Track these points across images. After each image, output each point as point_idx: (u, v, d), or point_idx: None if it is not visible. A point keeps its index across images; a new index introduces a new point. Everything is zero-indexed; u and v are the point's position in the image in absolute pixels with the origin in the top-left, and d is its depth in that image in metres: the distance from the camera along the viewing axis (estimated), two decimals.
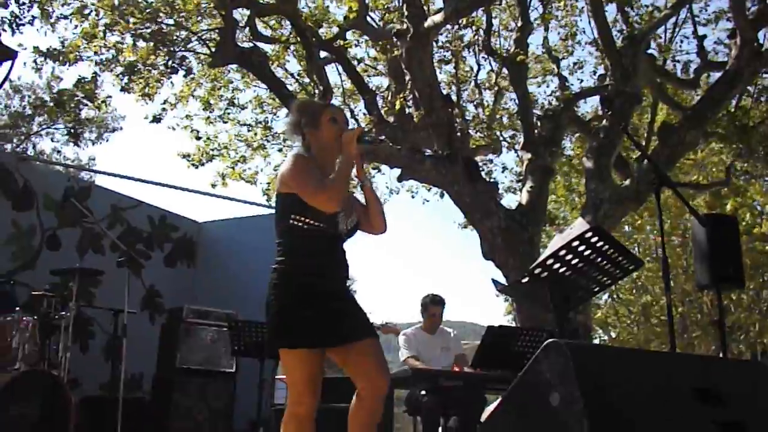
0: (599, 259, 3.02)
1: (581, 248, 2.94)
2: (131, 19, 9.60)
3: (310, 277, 3.19)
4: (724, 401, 2.45)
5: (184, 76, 10.75)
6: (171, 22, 10.18)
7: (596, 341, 19.09)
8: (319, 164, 3.29)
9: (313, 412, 3.16)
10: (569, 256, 2.93)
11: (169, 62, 10.31)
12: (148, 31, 9.76)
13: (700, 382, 2.46)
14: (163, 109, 11.07)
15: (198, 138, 12.09)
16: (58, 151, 26.02)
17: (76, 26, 9.73)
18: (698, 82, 11.86)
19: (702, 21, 12.34)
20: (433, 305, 6.47)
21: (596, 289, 3.32)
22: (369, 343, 3.26)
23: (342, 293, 3.32)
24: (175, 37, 10.38)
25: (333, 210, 3.18)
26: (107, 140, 26.60)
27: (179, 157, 12.16)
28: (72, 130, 24.12)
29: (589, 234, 2.92)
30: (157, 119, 10.60)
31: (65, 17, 9.71)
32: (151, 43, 9.88)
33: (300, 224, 3.20)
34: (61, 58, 9.61)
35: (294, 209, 3.19)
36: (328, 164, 3.31)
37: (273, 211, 10.04)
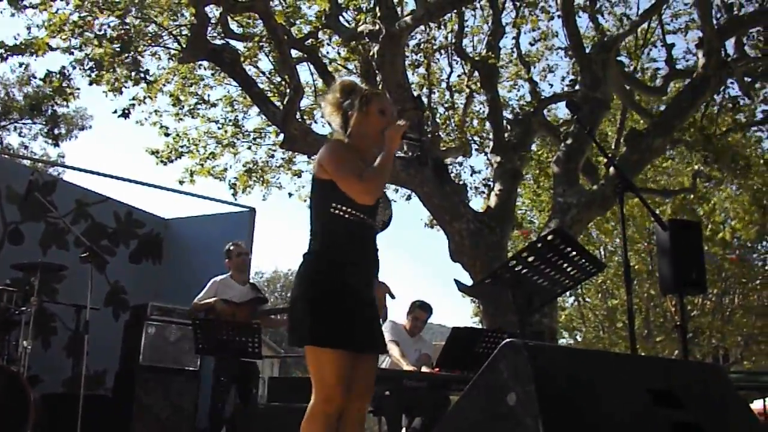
0: (562, 262, 3.05)
1: (544, 251, 2.96)
2: (99, 18, 9.48)
3: (346, 270, 3.06)
4: (681, 403, 2.47)
5: (147, 83, 10.60)
6: (139, 16, 10.08)
7: (562, 344, 19.19)
8: (354, 148, 3.18)
9: (341, 409, 3.02)
10: (532, 258, 2.95)
11: (133, 74, 10.21)
12: (115, 34, 9.64)
13: (658, 384, 2.49)
14: (132, 105, 10.94)
15: (167, 135, 11.99)
16: (26, 146, 25.68)
17: (43, 21, 9.60)
18: (666, 89, 12.02)
19: (672, 30, 12.52)
20: (420, 310, 6.67)
21: (558, 292, 3.34)
22: (376, 359, 3.24)
23: (372, 295, 3.20)
24: (143, 32, 10.28)
25: (369, 203, 3.06)
26: (76, 137, 26.33)
27: (148, 153, 12.04)
28: (50, 131, 23.91)
29: (552, 237, 2.94)
30: (125, 114, 10.48)
31: (33, 6, 9.58)
32: (117, 46, 9.76)
33: (341, 213, 3.08)
34: (29, 51, 9.45)
35: (336, 197, 3.07)
36: (365, 151, 3.19)
37: (240, 209, 9.92)
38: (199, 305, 6.34)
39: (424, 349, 6.56)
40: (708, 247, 15.80)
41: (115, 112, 10.22)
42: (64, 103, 10.90)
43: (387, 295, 3.85)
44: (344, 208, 3.07)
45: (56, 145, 25.04)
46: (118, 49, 9.70)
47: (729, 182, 15.75)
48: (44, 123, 24.59)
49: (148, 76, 10.48)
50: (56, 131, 24.63)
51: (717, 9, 10.63)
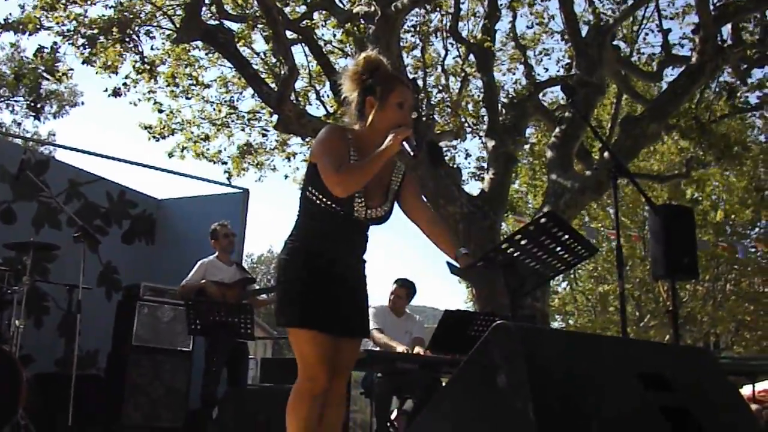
0: (554, 246, 3.04)
1: (537, 234, 2.96)
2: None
3: (319, 257, 3.05)
4: (671, 387, 2.48)
5: (148, 71, 10.56)
6: None
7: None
8: (361, 137, 3.12)
9: (326, 389, 3.03)
10: (524, 242, 2.94)
11: (131, 58, 10.15)
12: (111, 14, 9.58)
13: (648, 368, 2.50)
14: (125, 84, 10.88)
15: (161, 111, 11.93)
16: (18, 124, 25.51)
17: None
18: (661, 75, 12.01)
19: (669, 15, 12.50)
20: (399, 287, 6.57)
21: (551, 275, 3.34)
22: (358, 343, 3.24)
23: (353, 280, 3.17)
24: (138, 11, 10.22)
25: (340, 195, 2.96)
26: (68, 114, 26.19)
27: (141, 128, 11.99)
28: (32, 104, 23.64)
29: (545, 220, 2.94)
30: (116, 93, 10.42)
31: None
32: (113, 14, 9.69)
33: (314, 198, 3.07)
34: (20, 27, 9.39)
35: (314, 182, 3.05)
36: (371, 142, 3.06)
37: (233, 190, 9.88)
38: (189, 286, 6.33)
39: (415, 330, 6.48)
40: (701, 234, 15.88)
41: (106, 90, 10.18)
42: (52, 79, 10.80)
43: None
44: (317, 193, 3.06)
45: (36, 118, 24.77)
46: (113, 26, 9.62)
47: (722, 168, 15.80)
48: (26, 95, 24.27)
49: (144, 59, 10.42)
50: (38, 104, 24.35)
51: None
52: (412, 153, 2.96)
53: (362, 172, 2.96)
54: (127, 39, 10.16)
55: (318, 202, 3.07)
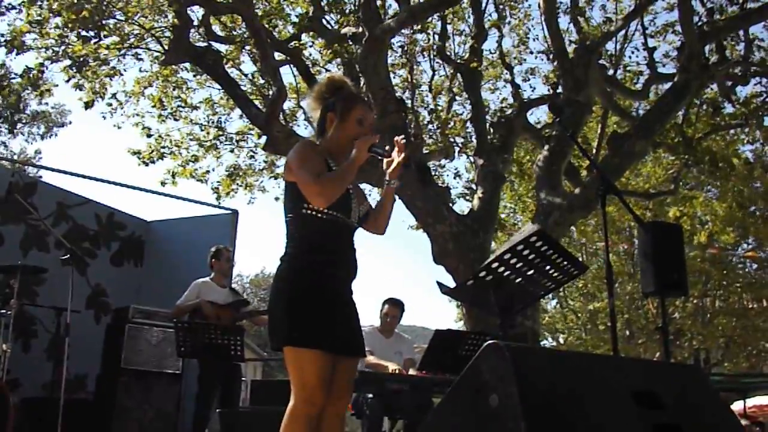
0: (543, 264, 3.05)
1: (526, 252, 2.97)
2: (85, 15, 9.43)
3: (323, 270, 3.04)
4: (662, 404, 2.49)
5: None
6: (123, 18, 10.05)
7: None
8: (325, 152, 3.16)
9: (320, 412, 2.98)
10: (514, 260, 2.95)
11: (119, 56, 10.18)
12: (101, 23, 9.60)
13: (639, 386, 2.50)
14: (109, 104, 10.92)
15: (149, 136, 11.94)
16: (5, 145, 25.46)
17: (25, 16, 9.55)
18: (647, 93, 12.10)
19: (650, 33, 12.60)
20: (390, 306, 6.55)
21: (541, 294, 3.35)
22: (356, 362, 3.21)
23: (350, 296, 3.18)
24: (126, 33, 10.24)
25: (321, 205, 3.02)
26: (56, 135, 26.16)
27: (130, 153, 11.98)
28: (8, 116, 23.47)
29: (534, 238, 2.95)
30: (89, 105, 10.43)
31: (13, 8, 9.51)
32: (98, 39, 9.71)
33: (314, 213, 3.06)
34: (6, 45, 9.38)
35: (306, 197, 3.05)
36: (338, 156, 3.16)
37: (223, 211, 9.86)
38: (183, 307, 6.31)
39: (405, 351, 6.47)
40: (687, 251, 15.93)
41: (80, 99, 10.23)
42: (39, 97, 10.85)
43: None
44: (316, 207, 3.06)
45: (11, 132, 24.66)
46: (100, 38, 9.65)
47: (708, 186, 15.90)
48: (7, 108, 24.17)
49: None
50: (15, 117, 24.25)
51: (697, 14, 10.72)
52: (384, 155, 3.05)
53: (339, 179, 3.03)
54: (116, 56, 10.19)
55: (320, 215, 3.07)
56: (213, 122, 12.64)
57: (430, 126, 13.11)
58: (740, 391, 6.68)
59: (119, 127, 11.85)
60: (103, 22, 9.54)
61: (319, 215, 3.07)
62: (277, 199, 13.46)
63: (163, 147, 12.07)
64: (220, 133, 12.68)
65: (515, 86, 12.38)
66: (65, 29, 9.55)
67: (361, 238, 3.29)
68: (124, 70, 10.78)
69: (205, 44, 10.29)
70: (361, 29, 9.38)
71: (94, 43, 9.87)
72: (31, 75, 9.75)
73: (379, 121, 9.50)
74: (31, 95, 10.67)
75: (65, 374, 5.90)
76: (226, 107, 12.46)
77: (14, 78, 10.63)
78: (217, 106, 12.54)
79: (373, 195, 11.87)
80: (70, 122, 26.21)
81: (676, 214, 15.51)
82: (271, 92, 9.77)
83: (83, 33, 9.63)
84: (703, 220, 17.81)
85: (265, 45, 9.30)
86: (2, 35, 9.44)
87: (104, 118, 10.90)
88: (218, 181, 12.57)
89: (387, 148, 3.13)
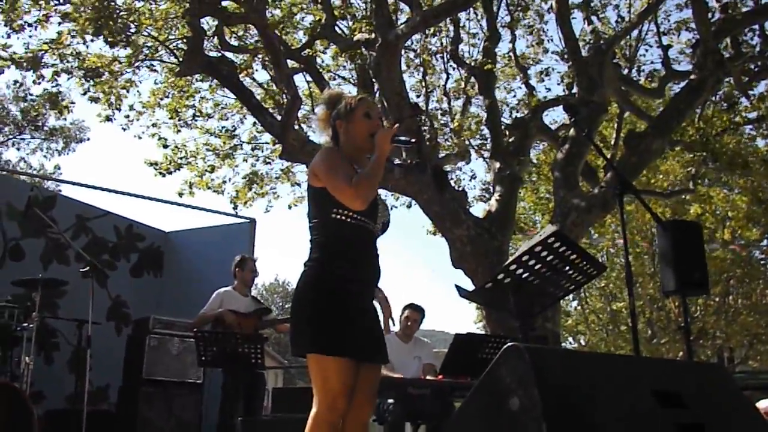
0: (562, 265, 3.03)
1: (544, 254, 2.95)
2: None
3: (348, 276, 3.02)
4: (684, 404, 2.46)
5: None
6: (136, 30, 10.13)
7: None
8: (348, 158, 3.17)
9: (343, 419, 2.98)
10: (532, 262, 2.93)
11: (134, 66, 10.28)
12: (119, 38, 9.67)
13: (661, 385, 2.48)
14: (127, 116, 11.01)
15: (165, 146, 12.02)
16: (25, 161, 25.74)
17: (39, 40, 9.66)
18: (663, 91, 12.03)
19: (663, 31, 12.54)
20: (411, 311, 6.55)
21: (560, 295, 3.33)
22: (379, 369, 3.19)
23: (371, 302, 3.18)
24: (140, 45, 10.32)
25: (360, 208, 3.00)
26: (74, 151, 26.40)
27: (147, 165, 12.07)
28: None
29: (552, 239, 2.93)
30: (108, 118, 10.53)
31: (29, 25, 9.59)
32: (116, 50, 9.80)
33: (343, 218, 3.05)
34: (24, 64, 9.48)
35: (335, 203, 3.03)
36: (357, 159, 3.18)
37: (240, 220, 9.89)
38: (206, 316, 6.32)
39: (424, 355, 6.45)
40: (708, 249, 15.80)
41: (99, 115, 10.31)
42: (55, 111, 10.95)
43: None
44: (345, 212, 3.05)
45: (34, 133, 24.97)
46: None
47: (727, 182, 15.76)
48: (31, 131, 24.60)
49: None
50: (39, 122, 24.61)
51: (711, 10, 10.64)
52: (411, 142, 3.03)
53: (372, 178, 3.01)
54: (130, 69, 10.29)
55: (349, 220, 3.06)
56: (225, 129, 12.69)
57: (446, 129, 13.10)
58: (765, 388, 6.61)
59: (140, 137, 11.93)
60: (117, 37, 9.59)
61: (348, 220, 3.06)
62: (290, 207, 13.46)
63: (180, 157, 12.14)
64: (237, 143, 12.73)
65: (530, 87, 12.35)
66: (79, 39, 9.64)
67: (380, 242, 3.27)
68: (140, 82, 10.87)
69: (219, 54, 10.34)
70: (373, 35, 9.39)
71: (110, 55, 9.96)
72: (50, 97, 9.88)
73: None
74: (50, 113, 10.81)
75: (87, 386, 5.94)
76: (239, 112, 12.50)
77: (32, 97, 10.80)
78: (228, 112, 12.59)
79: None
80: (88, 138, 26.43)
81: (698, 212, 15.40)
82: (284, 99, 9.79)
83: (94, 41, 9.70)
84: (724, 217, 17.65)
85: (278, 54, 9.34)
86: (16, 54, 9.52)
87: (124, 129, 10.98)
88: (236, 191, 12.61)
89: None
